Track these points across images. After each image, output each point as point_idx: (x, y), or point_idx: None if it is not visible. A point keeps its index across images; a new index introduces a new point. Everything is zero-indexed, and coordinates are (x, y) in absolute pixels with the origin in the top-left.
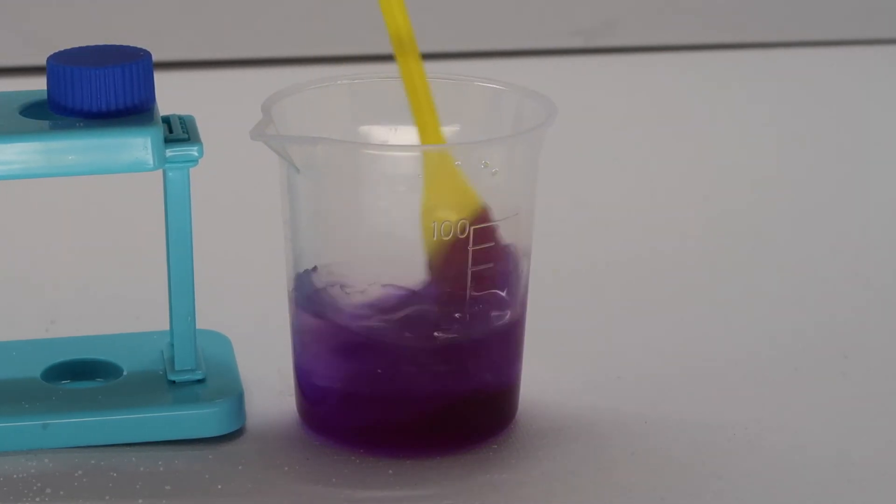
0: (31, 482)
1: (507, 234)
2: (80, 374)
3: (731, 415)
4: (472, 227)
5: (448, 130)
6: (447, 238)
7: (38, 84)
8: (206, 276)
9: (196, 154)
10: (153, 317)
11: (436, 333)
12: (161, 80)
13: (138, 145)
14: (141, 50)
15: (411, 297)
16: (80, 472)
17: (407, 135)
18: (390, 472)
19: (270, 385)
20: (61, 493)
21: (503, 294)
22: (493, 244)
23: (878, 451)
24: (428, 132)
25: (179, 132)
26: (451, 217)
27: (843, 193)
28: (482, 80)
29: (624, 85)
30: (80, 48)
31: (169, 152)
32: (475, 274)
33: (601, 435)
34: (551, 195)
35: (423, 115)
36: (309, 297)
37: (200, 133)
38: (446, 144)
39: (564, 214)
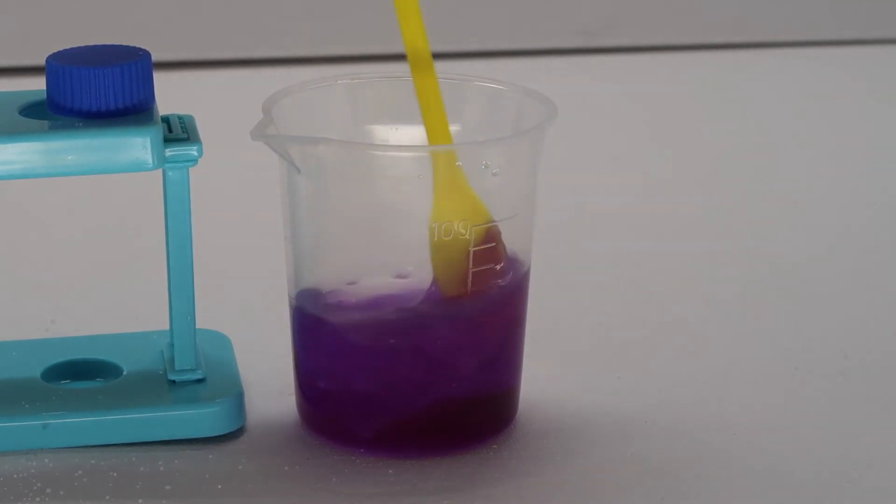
0: (31, 482)
1: (507, 234)
2: (80, 374)
3: (731, 415)
4: (473, 228)
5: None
6: (447, 238)
7: (38, 84)
8: (206, 276)
9: (195, 154)
10: (153, 317)
11: (436, 333)
12: (160, 79)
13: (138, 145)
14: (140, 50)
15: (411, 297)
16: (80, 472)
17: (407, 134)
18: (390, 472)
19: (270, 385)
20: (61, 493)
21: (503, 294)
22: (494, 244)
23: (878, 451)
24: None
25: (179, 132)
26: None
27: (842, 193)
28: (482, 80)
29: (624, 85)
30: (80, 48)
31: (168, 152)
32: (475, 274)
33: (601, 435)
34: (551, 195)
35: (437, 132)
36: (309, 296)
37: (200, 133)
38: (452, 146)
39: (564, 214)
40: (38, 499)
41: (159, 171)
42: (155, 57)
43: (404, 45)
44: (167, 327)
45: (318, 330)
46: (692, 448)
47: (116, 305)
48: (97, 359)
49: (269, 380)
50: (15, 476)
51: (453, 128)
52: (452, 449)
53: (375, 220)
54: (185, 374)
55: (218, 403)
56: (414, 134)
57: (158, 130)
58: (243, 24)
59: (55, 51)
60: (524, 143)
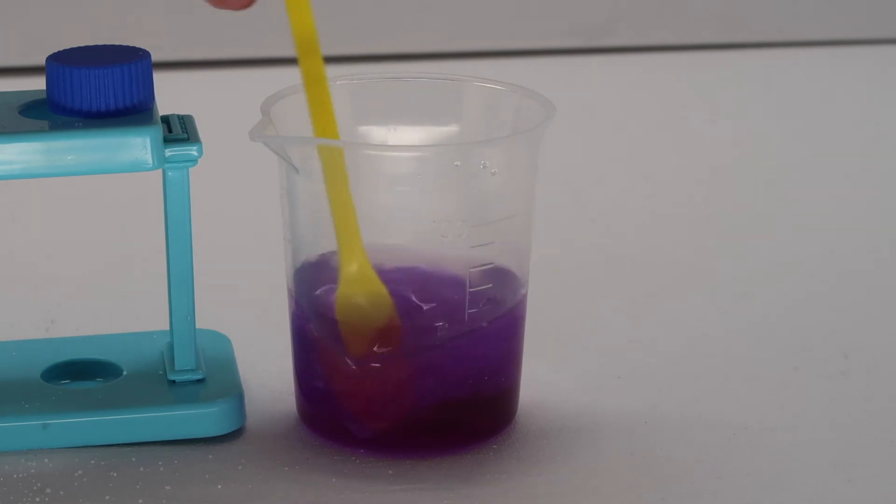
0: (31, 482)
1: (507, 234)
2: (80, 374)
3: (731, 415)
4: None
5: (447, 131)
6: (445, 238)
7: (38, 84)
8: (206, 276)
9: (195, 154)
10: (153, 317)
11: (435, 333)
12: (161, 80)
13: (137, 145)
14: (140, 50)
15: (410, 297)
16: (80, 472)
17: (406, 135)
18: (390, 472)
19: (270, 385)
20: (61, 493)
21: (503, 294)
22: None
23: (878, 451)
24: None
25: (179, 132)
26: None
27: (843, 193)
28: (481, 81)
29: (624, 85)
30: (80, 48)
31: (168, 152)
32: (474, 276)
33: (601, 435)
34: (551, 195)
35: (322, 123)
36: (308, 297)
37: (200, 133)
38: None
39: (564, 214)
40: (38, 499)
41: (159, 171)
42: (155, 57)
43: (293, 32)
44: (167, 327)
45: (316, 329)
46: (692, 448)
47: (116, 305)
48: (97, 359)
49: (269, 380)
50: (15, 476)
51: (452, 128)
52: (452, 449)
53: (374, 221)
54: (185, 374)
55: (218, 403)
56: (412, 134)
57: (158, 130)
58: (243, 24)
59: (55, 51)
60: (523, 143)
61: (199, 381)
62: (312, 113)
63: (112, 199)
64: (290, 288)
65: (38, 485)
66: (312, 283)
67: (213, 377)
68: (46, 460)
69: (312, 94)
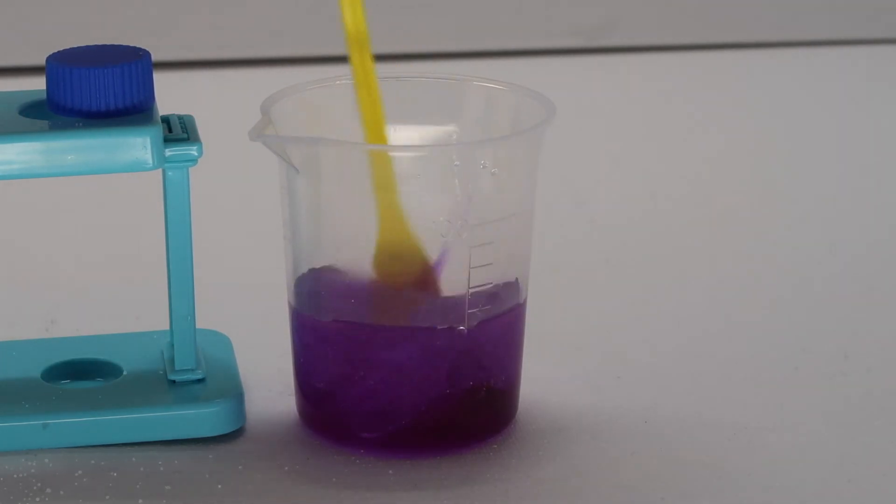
0: (31, 482)
1: (506, 234)
2: (80, 374)
3: (731, 415)
4: (472, 226)
5: (446, 130)
6: (445, 238)
7: (38, 84)
8: (206, 276)
9: (195, 154)
10: (153, 317)
11: (436, 333)
12: (161, 79)
13: (138, 145)
14: (140, 50)
15: (410, 296)
16: (80, 472)
17: (406, 134)
18: (390, 472)
19: (270, 385)
20: (61, 493)
21: (503, 294)
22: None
23: (878, 451)
24: (374, 131)
25: (179, 132)
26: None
27: (842, 193)
28: (481, 80)
29: (624, 85)
30: (80, 48)
31: (168, 152)
32: (474, 275)
33: (601, 435)
34: (551, 195)
35: (372, 115)
36: (308, 296)
37: (200, 133)
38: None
39: (564, 214)
40: (38, 499)
41: (159, 171)
42: (155, 57)
43: (345, 27)
44: (167, 327)
45: (317, 330)
46: (692, 448)
47: (116, 305)
48: (97, 359)
49: (269, 380)
50: (15, 476)
51: (452, 128)
52: (452, 449)
53: (374, 221)
54: (185, 374)
55: (218, 403)
56: (412, 134)
57: (158, 130)
58: (243, 24)
59: (55, 51)
60: (522, 142)
61: (199, 381)
62: (362, 106)
63: (112, 199)
64: (290, 288)
65: (38, 485)
66: (312, 282)
67: (213, 377)
68: (46, 460)
69: (362, 89)
